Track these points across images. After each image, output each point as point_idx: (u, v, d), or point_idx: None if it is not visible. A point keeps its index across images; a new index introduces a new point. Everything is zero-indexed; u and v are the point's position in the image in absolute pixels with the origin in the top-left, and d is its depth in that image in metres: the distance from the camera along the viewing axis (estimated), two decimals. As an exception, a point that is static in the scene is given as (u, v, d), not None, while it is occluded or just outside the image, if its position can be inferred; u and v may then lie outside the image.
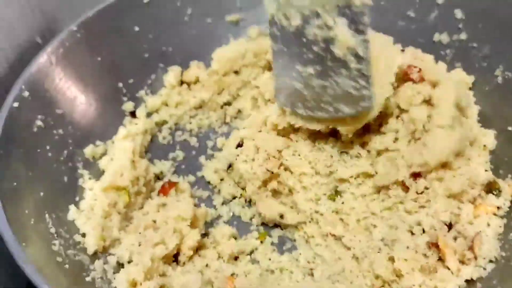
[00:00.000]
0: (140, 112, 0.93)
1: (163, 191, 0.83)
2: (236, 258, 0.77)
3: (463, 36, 0.87)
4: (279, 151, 0.83)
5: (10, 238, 0.60)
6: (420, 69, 0.78)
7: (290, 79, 0.73)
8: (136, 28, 0.94)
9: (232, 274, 0.73)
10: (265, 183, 0.81)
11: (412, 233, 0.71)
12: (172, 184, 0.84)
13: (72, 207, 0.75)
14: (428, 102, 0.75)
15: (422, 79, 0.77)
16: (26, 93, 0.77)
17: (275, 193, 0.82)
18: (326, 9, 0.64)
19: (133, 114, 0.92)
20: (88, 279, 0.64)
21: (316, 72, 0.69)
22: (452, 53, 0.89)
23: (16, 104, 0.75)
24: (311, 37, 0.67)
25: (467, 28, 0.86)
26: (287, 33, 0.69)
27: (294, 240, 0.80)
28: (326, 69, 0.68)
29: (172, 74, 0.97)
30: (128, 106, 0.93)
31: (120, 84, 0.93)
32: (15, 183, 0.69)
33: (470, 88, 0.85)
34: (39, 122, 0.78)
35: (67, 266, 0.64)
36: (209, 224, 0.82)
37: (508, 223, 0.71)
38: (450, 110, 0.72)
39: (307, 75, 0.70)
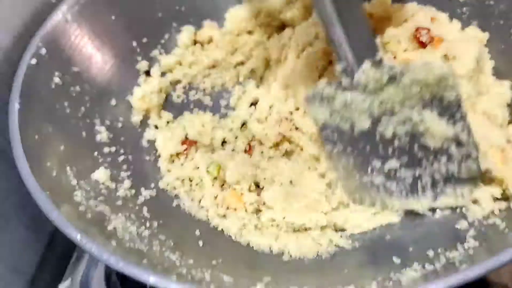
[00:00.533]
0: (155, 71, 0.94)
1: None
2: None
3: (479, -7, 0.86)
4: (291, 113, 0.84)
5: (34, 188, 0.62)
6: (428, 30, 0.77)
7: (366, 176, 0.67)
8: (150, -14, 0.94)
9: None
10: (277, 144, 0.83)
11: None
12: (192, 142, 0.85)
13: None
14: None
15: (431, 39, 0.77)
16: (44, 50, 0.78)
17: (287, 153, 0.84)
18: (406, 105, 0.59)
19: (147, 74, 0.93)
20: (110, 228, 0.66)
21: (403, 163, 0.64)
22: (469, 11, 0.88)
23: (34, 61, 0.76)
24: (389, 134, 0.62)
25: (484, -15, 0.85)
26: (349, 135, 0.64)
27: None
28: (416, 158, 0.63)
29: (185, 34, 0.97)
30: (143, 65, 0.93)
31: (134, 43, 0.93)
32: (36, 136, 0.70)
33: (485, 45, 0.84)
34: (56, 79, 0.79)
35: (89, 215, 0.66)
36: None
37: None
38: (471, 62, 0.71)
39: (391, 168, 0.65)
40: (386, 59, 0.64)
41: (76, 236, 0.55)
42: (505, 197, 0.67)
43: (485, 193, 0.67)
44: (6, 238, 0.81)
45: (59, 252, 0.91)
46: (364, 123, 0.63)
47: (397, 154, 0.64)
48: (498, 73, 0.81)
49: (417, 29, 0.79)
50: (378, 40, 0.64)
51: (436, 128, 0.60)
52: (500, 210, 0.65)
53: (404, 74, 0.61)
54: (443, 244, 0.63)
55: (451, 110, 0.59)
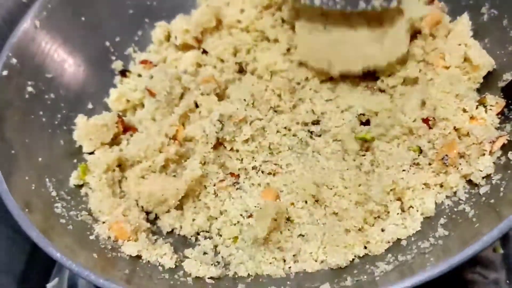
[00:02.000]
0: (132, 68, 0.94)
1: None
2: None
3: (449, -28, 0.85)
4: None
5: (12, 205, 0.63)
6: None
7: None
8: (118, -16, 0.93)
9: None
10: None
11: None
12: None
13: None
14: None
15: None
16: (14, 60, 0.78)
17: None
18: None
19: (123, 73, 0.92)
20: (91, 237, 0.68)
21: None
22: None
23: (5, 73, 0.76)
24: None
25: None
26: None
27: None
28: None
29: (159, 30, 0.96)
30: (117, 65, 0.93)
31: (107, 43, 0.93)
32: (13, 151, 0.71)
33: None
34: (30, 88, 0.79)
35: (70, 227, 0.67)
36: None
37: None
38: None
39: None
40: None
41: (56, 255, 0.57)
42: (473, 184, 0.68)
43: (454, 177, 0.69)
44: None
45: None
46: None
47: None
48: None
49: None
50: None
51: None
52: (467, 197, 0.67)
53: None
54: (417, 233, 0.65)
55: None
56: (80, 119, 0.81)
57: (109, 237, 0.69)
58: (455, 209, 0.66)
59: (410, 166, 0.70)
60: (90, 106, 0.87)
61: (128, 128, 0.84)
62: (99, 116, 0.83)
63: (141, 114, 0.86)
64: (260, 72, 0.87)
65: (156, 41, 0.96)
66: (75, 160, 0.79)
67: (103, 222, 0.70)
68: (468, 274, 0.79)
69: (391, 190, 0.68)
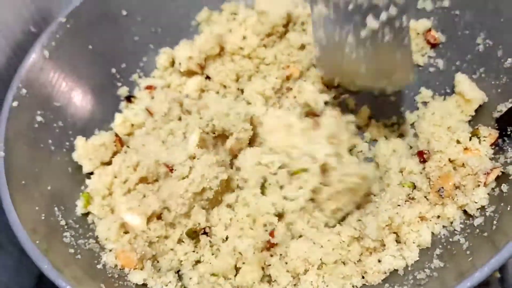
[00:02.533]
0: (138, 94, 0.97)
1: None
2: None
3: (446, 3, 0.88)
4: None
5: (23, 237, 0.65)
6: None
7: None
8: (124, 12, 0.96)
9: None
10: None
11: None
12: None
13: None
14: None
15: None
16: (24, 91, 0.80)
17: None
18: None
19: (128, 99, 0.95)
20: (99, 266, 0.70)
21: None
22: (436, 20, 0.90)
23: (15, 104, 0.78)
24: None
25: (450, -5, 0.87)
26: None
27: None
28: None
29: (163, 57, 0.99)
30: (123, 91, 0.96)
31: (113, 70, 0.95)
32: (23, 182, 0.73)
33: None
34: (39, 118, 0.81)
35: (79, 256, 0.69)
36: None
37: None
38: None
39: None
40: None
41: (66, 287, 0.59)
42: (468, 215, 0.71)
43: (451, 207, 0.71)
44: (1, 263, 0.85)
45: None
46: None
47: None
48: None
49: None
50: None
51: None
52: (462, 227, 0.69)
53: None
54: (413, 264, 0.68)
55: None
56: (79, 141, 0.84)
57: (116, 266, 0.71)
58: (450, 240, 0.68)
59: (405, 201, 0.72)
60: (97, 132, 0.90)
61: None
62: (97, 136, 0.86)
63: (138, 132, 0.89)
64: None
65: (161, 67, 0.99)
66: (83, 187, 0.82)
67: (110, 250, 0.73)
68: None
69: (386, 225, 0.70)
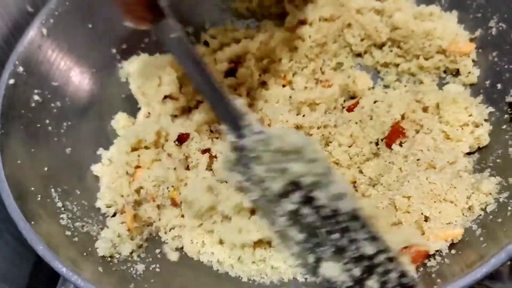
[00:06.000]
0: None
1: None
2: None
3: (458, -16, 0.85)
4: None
5: (18, 217, 0.63)
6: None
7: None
8: (126, -10, 0.93)
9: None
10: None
11: None
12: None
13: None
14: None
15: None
16: (21, 69, 0.78)
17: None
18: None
19: (129, 81, 0.92)
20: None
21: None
22: (447, 3, 0.87)
23: (12, 81, 0.76)
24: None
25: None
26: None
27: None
28: None
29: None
30: (124, 73, 0.93)
31: (114, 50, 0.92)
32: (19, 161, 0.71)
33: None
34: (36, 97, 0.79)
35: (76, 239, 0.67)
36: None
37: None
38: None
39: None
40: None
41: (62, 270, 0.57)
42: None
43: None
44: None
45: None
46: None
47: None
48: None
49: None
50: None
51: None
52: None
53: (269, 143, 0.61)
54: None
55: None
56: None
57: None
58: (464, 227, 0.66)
59: None
60: (95, 114, 0.87)
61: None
62: None
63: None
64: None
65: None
66: (80, 170, 0.79)
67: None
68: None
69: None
